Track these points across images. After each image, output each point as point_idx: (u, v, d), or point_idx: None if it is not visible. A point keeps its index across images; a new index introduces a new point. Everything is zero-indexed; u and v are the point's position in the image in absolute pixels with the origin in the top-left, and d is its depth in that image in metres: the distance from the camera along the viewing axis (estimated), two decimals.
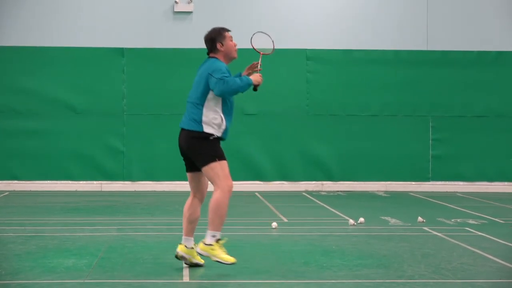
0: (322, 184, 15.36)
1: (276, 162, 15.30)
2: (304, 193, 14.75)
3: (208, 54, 7.21)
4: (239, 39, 16.47)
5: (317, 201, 13.45)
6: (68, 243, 8.50)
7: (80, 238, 8.93)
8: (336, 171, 15.42)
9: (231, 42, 7.19)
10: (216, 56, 7.15)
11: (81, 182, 15.08)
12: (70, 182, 15.06)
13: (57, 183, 15.04)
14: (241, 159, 15.01)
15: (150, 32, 15.34)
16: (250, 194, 14.27)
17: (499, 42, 15.66)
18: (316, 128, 15.39)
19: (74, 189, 14.96)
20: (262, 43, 7.51)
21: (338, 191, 15.21)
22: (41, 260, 7.46)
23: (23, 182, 14.98)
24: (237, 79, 6.95)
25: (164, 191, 14.90)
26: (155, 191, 14.96)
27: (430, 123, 15.53)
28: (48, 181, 15.04)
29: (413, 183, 15.50)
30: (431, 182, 15.52)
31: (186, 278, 6.78)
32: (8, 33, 15.07)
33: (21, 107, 15.02)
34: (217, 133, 6.96)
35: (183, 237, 7.16)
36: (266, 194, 14.34)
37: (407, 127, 15.50)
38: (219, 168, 6.88)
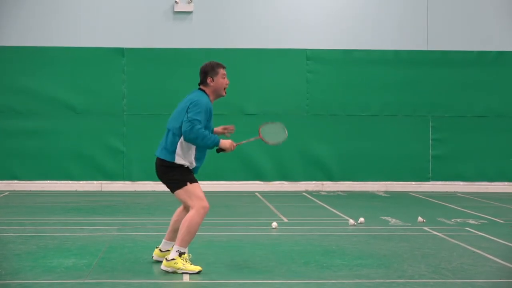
0: (322, 184, 15.36)
1: (276, 162, 15.29)
2: (304, 193, 14.75)
3: (199, 85, 7.19)
4: (238, 39, 16.48)
5: (317, 201, 13.45)
6: (68, 243, 8.50)
7: (80, 238, 8.94)
8: (336, 171, 15.42)
9: (222, 80, 7.11)
10: (205, 89, 7.12)
11: (81, 182, 15.08)
12: (70, 182, 15.06)
13: (57, 183, 15.05)
14: (241, 159, 14.98)
15: (150, 32, 15.34)
16: (250, 194, 14.26)
17: (499, 42, 15.66)
18: (316, 128, 15.39)
19: (74, 189, 14.96)
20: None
21: (338, 191, 15.21)
22: (41, 260, 7.47)
23: (23, 182, 14.99)
24: (205, 133, 6.84)
25: (164, 191, 14.80)
26: (155, 191, 14.95)
27: (430, 123, 15.53)
28: (48, 181, 15.05)
29: (413, 183, 15.50)
30: (431, 182, 15.51)
31: (186, 278, 6.78)
32: (8, 33, 15.08)
33: (21, 107, 15.02)
34: (189, 166, 7.01)
35: (163, 240, 7.42)
36: (266, 194, 14.33)
37: (407, 127, 15.51)
38: (191, 190, 6.96)
